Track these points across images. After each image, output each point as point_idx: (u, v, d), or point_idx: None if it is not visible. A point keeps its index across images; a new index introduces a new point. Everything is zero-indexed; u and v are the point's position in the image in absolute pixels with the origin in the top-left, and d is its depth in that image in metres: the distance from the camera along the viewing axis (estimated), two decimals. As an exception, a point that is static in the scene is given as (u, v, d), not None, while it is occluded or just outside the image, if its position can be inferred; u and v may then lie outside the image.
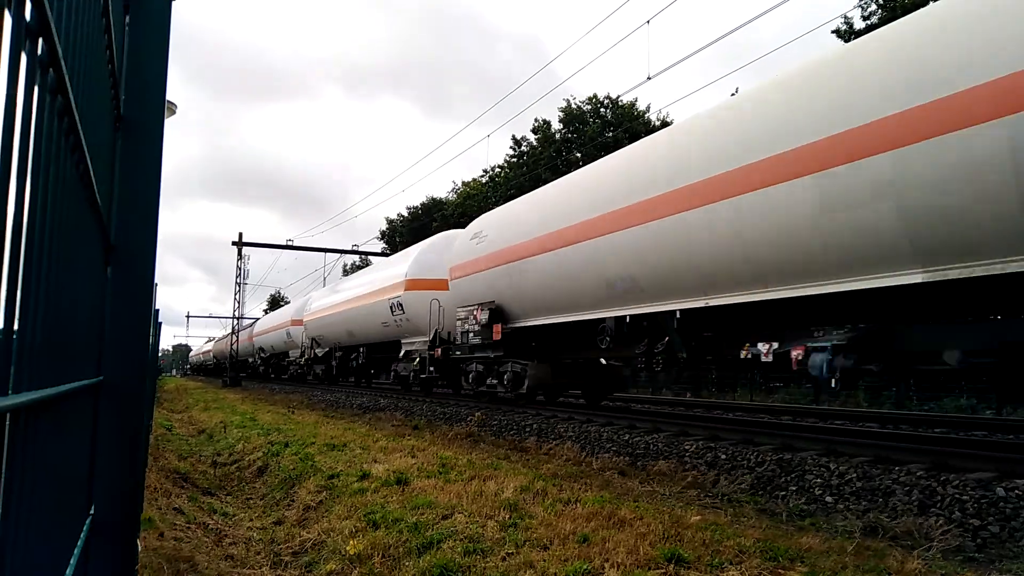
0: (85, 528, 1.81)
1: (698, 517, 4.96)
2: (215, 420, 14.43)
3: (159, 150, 2.01)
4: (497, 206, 19.52)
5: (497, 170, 42.87)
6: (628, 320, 9.97)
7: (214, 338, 71.15)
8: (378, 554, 4.35)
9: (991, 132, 5.30)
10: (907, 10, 21.24)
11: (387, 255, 37.25)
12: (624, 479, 7.24)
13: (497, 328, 13.38)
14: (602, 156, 13.89)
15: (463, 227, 18.47)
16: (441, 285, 16.87)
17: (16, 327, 0.90)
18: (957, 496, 5.25)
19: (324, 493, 6.34)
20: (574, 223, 10.89)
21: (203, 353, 77.34)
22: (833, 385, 7.20)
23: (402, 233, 50.69)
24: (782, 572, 3.75)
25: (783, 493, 6.37)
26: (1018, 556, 4.48)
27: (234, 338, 40.36)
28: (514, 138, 42.49)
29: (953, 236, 5.75)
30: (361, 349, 24.03)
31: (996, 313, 6.56)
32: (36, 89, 0.90)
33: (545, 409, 12.87)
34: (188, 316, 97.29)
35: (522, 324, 13.09)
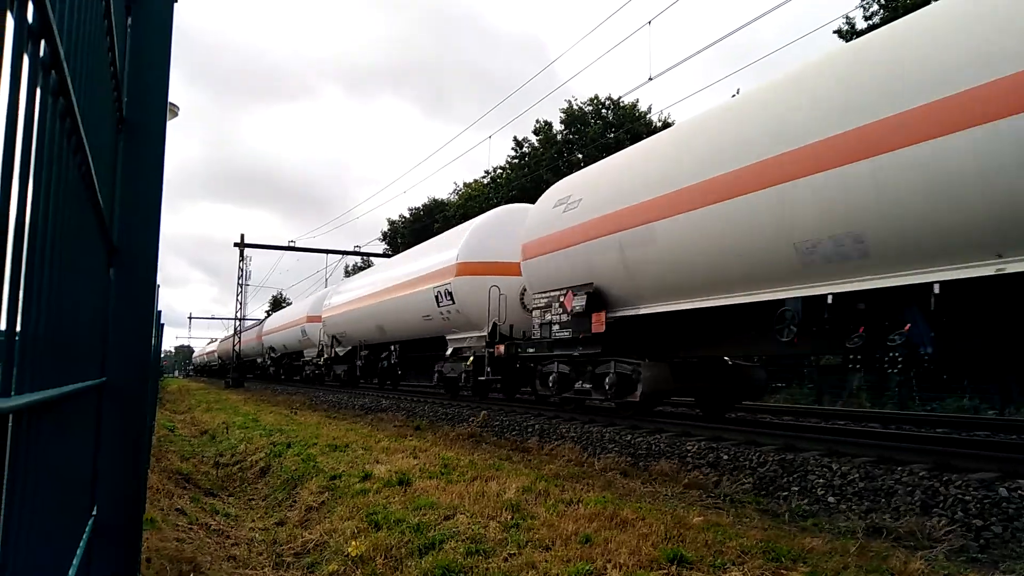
0: (87, 529, 1.81)
1: (700, 518, 4.96)
2: (217, 421, 14.44)
3: (161, 152, 2.01)
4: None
5: (499, 171, 42.88)
6: (831, 301, 7.04)
7: (217, 339, 71.21)
8: (380, 555, 4.35)
9: None
10: (907, 9, 21.23)
11: (389, 256, 37.15)
12: (626, 480, 7.23)
13: (599, 318, 10.48)
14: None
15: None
16: (502, 269, 14.61)
17: (19, 328, 0.91)
18: (960, 496, 5.24)
19: (326, 494, 6.35)
20: (736, 168, 7.88)
21: (207, 353, 76.80)
22: None
23: (403, 234, 50.71)
24: (784, 573, 3.74)
25: (785, 494, 6.36)
26: (1022, 556, 4.47)
27: (236, 339, 40.37)
28: (515, 139, 42.51)
29: None
30: (393, 347, 21.19)
31: None
32: (38, 91, 0.90)
33: (547, 409, 12.85)
34: (190, 317, 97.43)
35: (633, 312, 10.17)
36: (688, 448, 7.93)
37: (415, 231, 47.33)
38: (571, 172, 15.42)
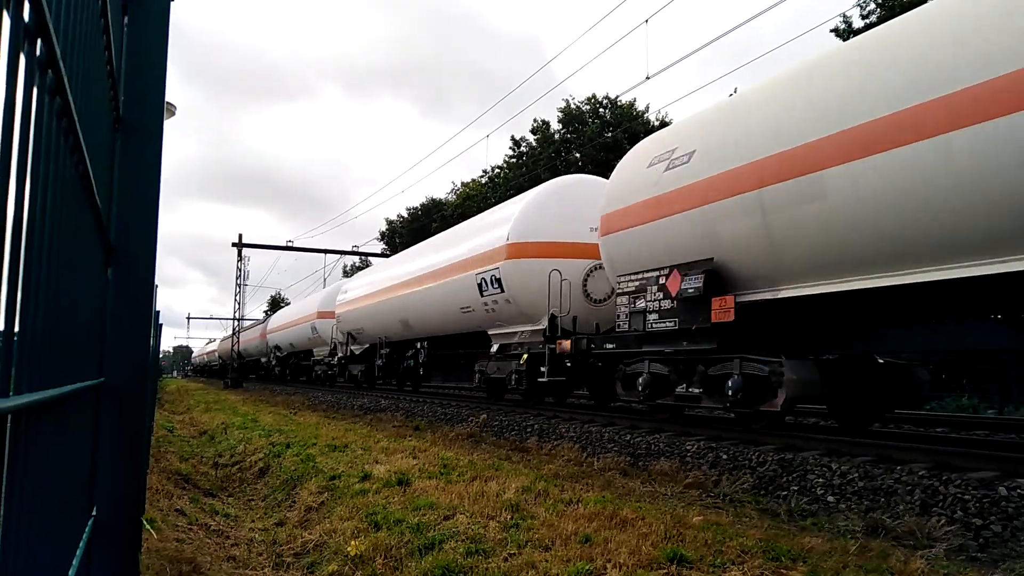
0: (87, 530, 1.81)
1: (700, 517, 4.96)
2: (216, 421, 14.44)
3: (159, 151, 2.01)
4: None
5: (496, 171, 42.90)
6: None
7: (215, 339, 71.10)
8: (380, 555, 4.35)
9: None
10: (904, 8, 21.26)
11: (387, 255, 37.05)
12: (626, 479, 7.23)
13: (723, 303, 8.09)
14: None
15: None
16: (563, 250, 12.49)
17: (17, 329, 0.90)
18: (959, 496, 5.24)
19: (325, 494, 6.34)
20: (968, 86, 5.58)
21: (207, 353, 75.99)
22: None
23: (402, 234, 50.71)
24: (784, 572, 3.74)
25: (785, 493, 6.36)
26: (1021, 556, 4.47)
27: (235, 339, 40.35)
28: (513, 138, 42.52)
29: None
30: (420, 345, 18.89)
31: None
32: (35, 90, 0.90)
33: (546, 409, 12.85)
34: (189, 317, 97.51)
35: (771, 295, 7.84)
36: (687, 448, 7.93)
37: (413, 231, 47.34)
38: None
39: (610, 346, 10.39)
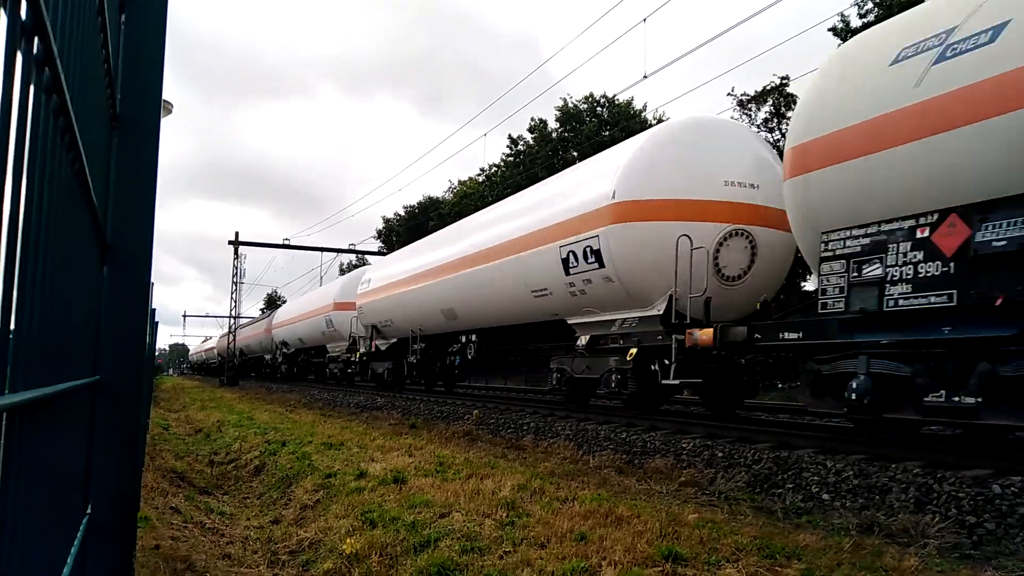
0: (82, 527, 1.81)
1: (695, 515, 4.97)
2: (212, 419, 14.42)
3: (155, 149, 2.01)
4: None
5: (494, 169, 42.89)
6: None
7: (212, 336, 70.89)
8: (375, 553, 4.35)
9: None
10: (903, 8, 21.28)
11: (384, 255, 36.91)
12: (621, 477, 7.25)
13: None
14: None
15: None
16: (693, 211, 9.42)
17: (12, 326, 0.90)
18: (953, 493, 5.26)
19: (321, 492, 6.34)
20: None
21: (205, 350, 74.43)
22: None
23: (399, 232, 50.66)
24: (779, 570, 3.76)
25: (780, 491, 6.38)
26: (1014, 553, 4.49)
27: (231, 336, 40.29)
28: (510, 137, 42.50)
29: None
30: (466, 338, 15.89)
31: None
32: (32, 88, 0.90)
33: (542, 407, 12.85)
34: (185, 315, 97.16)
35: None
36: (683, 446, 7.95)
37: (410, 229, 47.30)
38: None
39: (792, 336, 7.42)
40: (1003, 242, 5.57)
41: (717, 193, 9.50)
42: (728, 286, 9.41)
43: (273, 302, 72.01)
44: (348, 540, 4.58)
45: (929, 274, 6.14)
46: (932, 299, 6.08)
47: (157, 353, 23.28)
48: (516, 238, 12.57)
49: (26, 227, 0.93)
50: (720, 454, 7.42)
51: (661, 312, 9.39)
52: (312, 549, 4.89)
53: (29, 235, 0.95)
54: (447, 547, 4.28)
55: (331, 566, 4.34)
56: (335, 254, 42.82)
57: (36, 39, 0.89)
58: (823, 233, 7.17)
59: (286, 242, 40.37)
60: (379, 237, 54.84)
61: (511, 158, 42.30)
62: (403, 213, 53.46)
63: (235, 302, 39.77)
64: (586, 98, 39.38)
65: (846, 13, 25.11)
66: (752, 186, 9.63)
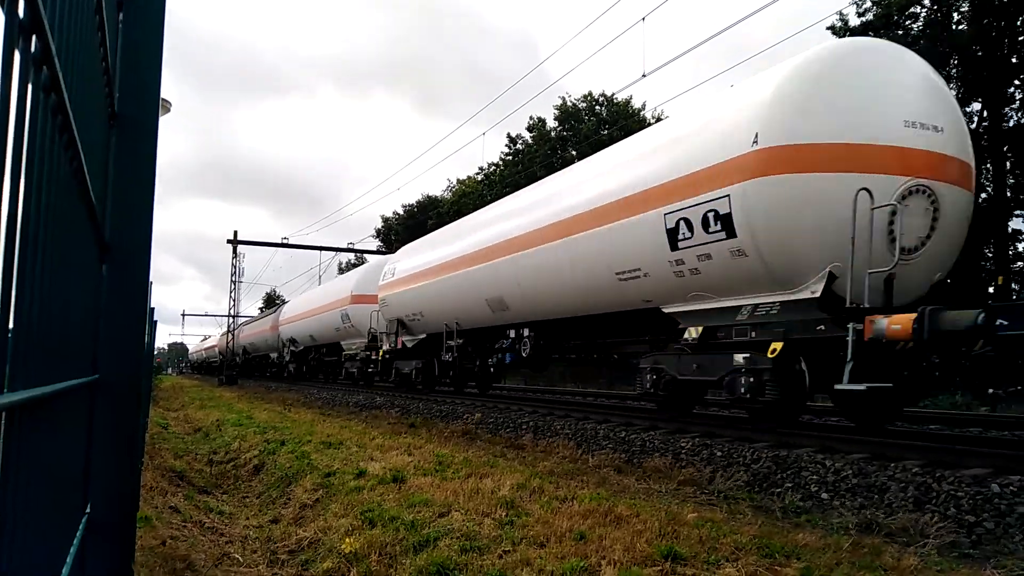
0: (81, 527, 1.81)
1: (694, 514, 4.97)
2: (211, 418, 14.42)
3: (154, 148, 2.00)
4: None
5: (492, 168, 42.92)
6: None
7: (211, 335, 70.75)
8: (374, 552, 4.35)
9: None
10: (902, 8, 21.30)
11: (383, 253, 36.87)
12: (620, 476, 7.25)
13: None
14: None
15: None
16: (868, 159, 7.16)
17: (11, 325, 0.90)
18: (952, 492, 5.27)
19: (320, 491, 6.34)
20: None
21: (206, 349, 73.26)
22: None
23: (398, 231, 50.69)
24: (778, 569, 3.76)
25: (779, 490, 6.38)
26: (1013, 552, 4.50)
27: (229, 336, 40.29)
28: (509, 136, 42.52)
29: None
30: (518, 333, 13.51)
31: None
32: (30, 87, 0.89)
33: (541, 406, 12.85)
34: (183, 314, 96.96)
35: None
36: (682, 445, 7.95)
37: (409, 228, 47.31)
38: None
39: None
40: None
41: (894, 136, 7.22)
42: (905, 260, 7.00)
43: (272, 301, 71.93)
44: (347, 539, 4.58)
45: None
46: None
47: (156, 352, 23.00)
48: (597, 208, 10.01)
49: (25, 226, 0.93)
50: (719, 453, 7.42)
51: (818, 294, 7.18)
52: (311, 548, 4.89)
53: (28, 234, 0.95)
54: (446, 546, 4.28)
55: (330, 565, 4.34)
56: (334, 253, 42.86)
57: (34, 38, 0.89)
58: None
59: (285, 241, 40.42)
60: (378, 236, 54.89)
61: (510, 157, 42.33)
62: (402, 212, 53.50)
63: (234, 301, 39.80)
64: (585, 97, 39.42)
65: (845, 12, 25.12)
66: (936, 129, 7.41)
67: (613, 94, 38.82)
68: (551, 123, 40.21)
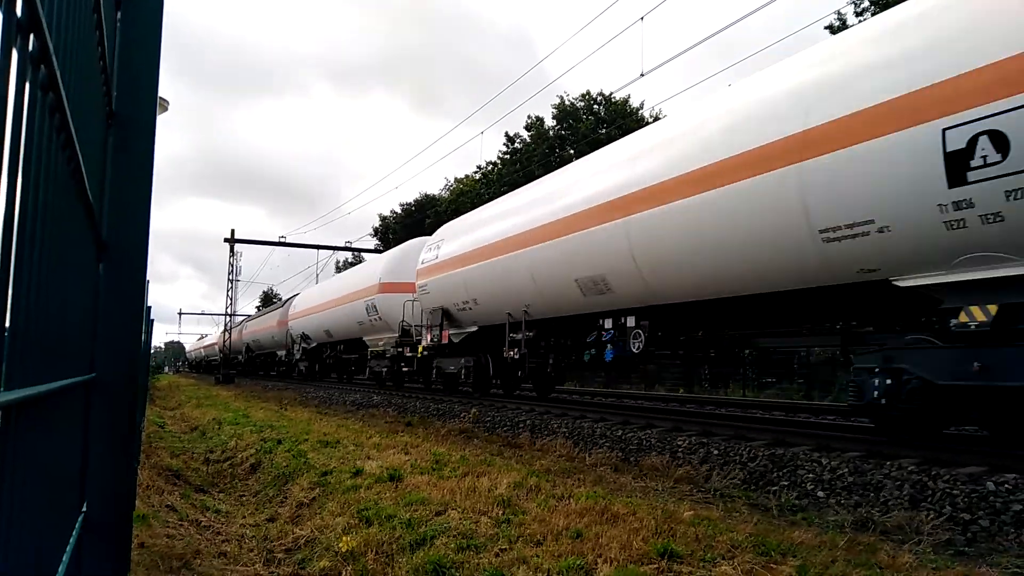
0: (77, 526, 1.81)
1: (691, 512, 4.98)
2: (208, 417, 14.39)
3: (151, 147, 2.00)
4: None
5: (490, 167, 42.90)
6: None
7: (208, 334, 70.56)
8: (371, 551, 4.36)
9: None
10: (900, 2, 21.31)
11: (380, 251, 36.83)
12: (617, 475, 7.26)
13: None
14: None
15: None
16: None
17: (7, 324, 0.90)
18: (948, 490, 5.28)
19: (317, 490, 6.34)
20: None
21: (205, 347, 71.89)
22: None
23: (395, 230, 50.65)
24: (774, 567, 3.77)
25: (775, 488, 6.40)
26: (1008, 550, 4.51)
27: (226, 335, 40.24)
28: (507, 135, 42.50)
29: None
30: (623, 321, 10.37)
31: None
32: (27, 85, 0.89)
33: (539, 405, 12.85)
34: (180, 313, 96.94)
35: None
36: (679, 443, 7.96)
37: (407, 227, 47.28)
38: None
39: None
40: None
41: None
42: None
43: (269, 299, 71.79)
44: (344, 538, 4.58)
45: None
46: None
47: (153, 351, 22.83)
48: (795, 134, 6.74)
49: (22, 225, 0.93)
50: (716, 451, 7.44)
51: None
52: (308, 547, 4.89)
53: (25, 233, 0.95)
54: (443, 545, 4.28)
55: (327, 564, 4.34)
56: (331, 252, 42.82)
57: (32, 36, 0.89)
58: None
59: (282, 240, 40.36)
60: (375, 234, 54.85)
61: (508, 155, 42.32)
62: (400, 211, 53.46)
63: (231, 300, 39.74)
64: (583, 96, 39.42)
65: (843, 11, 25.15)
66: None
67: (611, 93, 38.85)
68: (549, 122, 40.22)
